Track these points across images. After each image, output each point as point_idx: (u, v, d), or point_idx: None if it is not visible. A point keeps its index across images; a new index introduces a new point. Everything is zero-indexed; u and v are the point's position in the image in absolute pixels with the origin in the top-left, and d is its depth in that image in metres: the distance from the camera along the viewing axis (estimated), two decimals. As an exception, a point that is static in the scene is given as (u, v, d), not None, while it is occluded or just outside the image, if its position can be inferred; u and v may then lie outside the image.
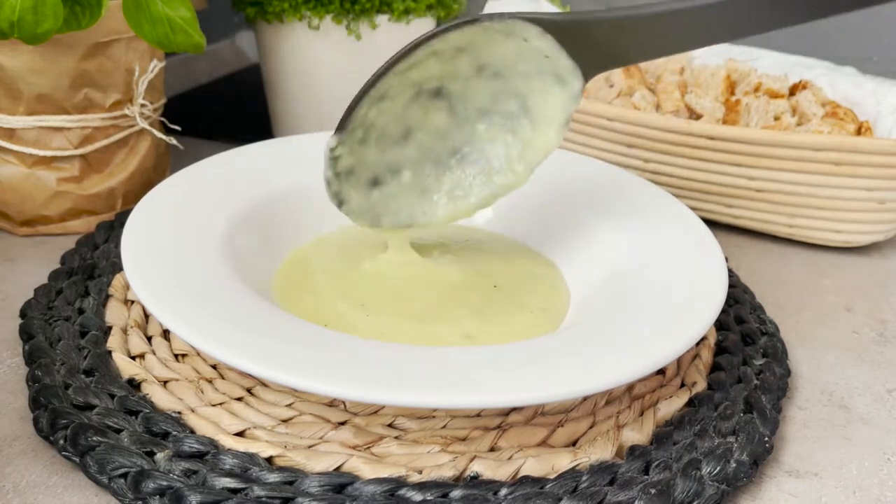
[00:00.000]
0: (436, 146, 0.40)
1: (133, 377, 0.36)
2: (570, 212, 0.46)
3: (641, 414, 0.36)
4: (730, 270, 0.48)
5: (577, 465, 0.33)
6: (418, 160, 0.40)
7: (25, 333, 0.39)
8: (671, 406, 0.36)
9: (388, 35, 0.62)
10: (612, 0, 0.87)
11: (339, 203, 0.40)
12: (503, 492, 0.31)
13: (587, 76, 0.37)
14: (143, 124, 0.51)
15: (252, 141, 0.50)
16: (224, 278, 0.36)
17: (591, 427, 0.35)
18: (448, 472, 0.32)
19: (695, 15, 0.35)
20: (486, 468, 0.32)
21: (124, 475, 0.31)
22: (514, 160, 0.40)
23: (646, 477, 0.32)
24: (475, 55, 0.38)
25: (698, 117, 0.57)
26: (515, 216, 0.47)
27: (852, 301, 0.49)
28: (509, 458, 0.33)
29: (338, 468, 0.32)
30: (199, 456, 0.32)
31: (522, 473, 0.32)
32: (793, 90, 0.60)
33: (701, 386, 0.38)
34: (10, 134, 0.48)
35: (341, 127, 0.38)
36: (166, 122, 0.56)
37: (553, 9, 0.72)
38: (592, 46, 0.36)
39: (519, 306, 0.39)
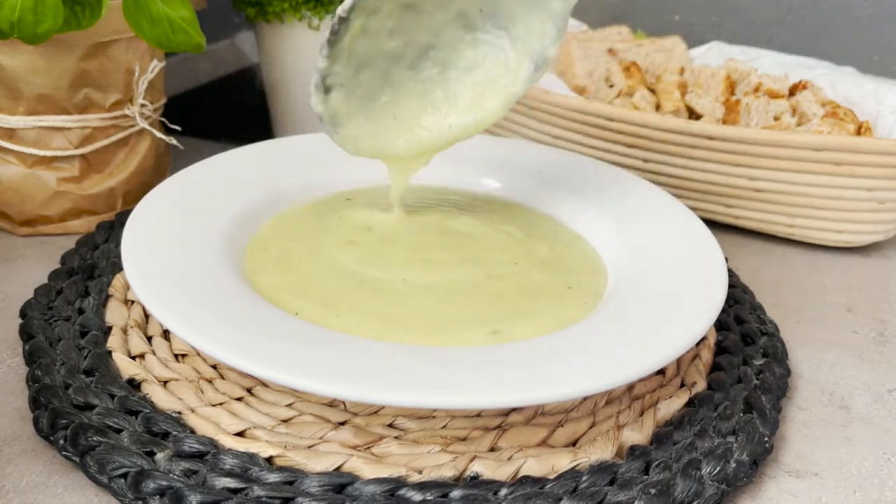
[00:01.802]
0: (427, 59, 0.41)
1: (133, 377, 0.36)
2: (569, 212, 0.46)
3: (641, 414, 0.36)
4: (730, 270, 0.48)
5: (577, 465, 0.33)
6: (414, 73, 0.41)
7: (25, 333, 0.39)
8: (671, 406, 0.36)
9: (388, 35, 0.62)
10: None
11: (334, 126, 0.40)
12: (503, 492, 0.31)
13: None
14: (143, 124, 0.51)
15: (252, 141, 0.50)
16: (224, 278, 0.36)
17: (591, 427, 0.35)
18: (448, 472, 0.32)
19: None
20: (486, 468, 0.32)
21: (124, 475, 0.31)
22: (511, 64, 0.40)
23: (646, 477, 0.32)
24: None
25: (698, 117, 0.57)
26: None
27: (852, 301, 0.49)
28: (509, 458, 0.33)
29: (338, 468, 0.32)
30: (199, 456, 0.32)
31: (522, 473, 0.32)
32: (793, 90, 0.60)
33: (701, 386, 0.38)
34: (10, 134, 0.48)
35: (332, 42, 0.37)
36: (166, 122, 0.56)
37: None
38: None
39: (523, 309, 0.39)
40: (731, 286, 0.46)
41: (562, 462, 0.33)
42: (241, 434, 0.33)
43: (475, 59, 0.41)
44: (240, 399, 0.36)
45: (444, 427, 0.34)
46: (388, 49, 0.40)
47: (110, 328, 0.40)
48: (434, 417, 0.35)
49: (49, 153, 0.48)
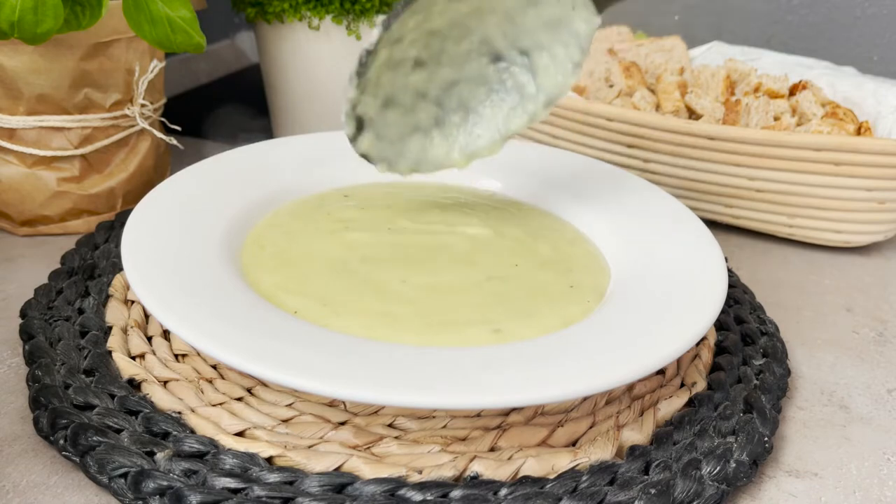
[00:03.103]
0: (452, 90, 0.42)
1: (133, 377, 0.36)
2: (570, 212, 0.46)
3: (641, 414, 0.36)
4: (730, 270, 0.48)
5: (577, 465, 0.33)
6: (439, 101, 0.42)
7: (26, 333, 0.39)
8: (671, 406, 0.37)
9: (388, 35, 0.62)
10: None
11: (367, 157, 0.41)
12: (503, 492, 0.31)
13: (600, 9, 0.38)
14: (144, 124, 0.51)
15: (252, 141, 0.50)
16: (224, 278, 0.36)
17: (591, 427, 0.35)
18: (448, 472, 0.32)
19: None
20: (486, 468, 0.32)
21: (124, 475, 0.31)
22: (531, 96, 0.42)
23: (646, 477, 0.32)
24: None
25: (698, 117, 0.57)
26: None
27: (852, 301, 0.49)
28: (509, 458, 0.33)
29: (338, 468, 0.32)
30: (199, 456, 0.32)
31: (522, 473, 0.32)
32: (793, 90, 0.60)
33: (701, 386, 0.38)
34: (10, 134, 0.48)
35: (360, 73, 0.38)
36: (166, 122, 0.56)
37: None
38: None
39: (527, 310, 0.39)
40: (731, 286, 0.46)
41: (562, 462, 0.33)
42: (241, 434, 0.33)
43: (495, 105, 0.42)
44: (240, 399, 0.36)
45: (444, 427, 0.34)
46: (413, 83, 0.41)
47: (110, 328, 0.40)
48: (434, 417, 0.35)
49: (49, 153, 0.48)
